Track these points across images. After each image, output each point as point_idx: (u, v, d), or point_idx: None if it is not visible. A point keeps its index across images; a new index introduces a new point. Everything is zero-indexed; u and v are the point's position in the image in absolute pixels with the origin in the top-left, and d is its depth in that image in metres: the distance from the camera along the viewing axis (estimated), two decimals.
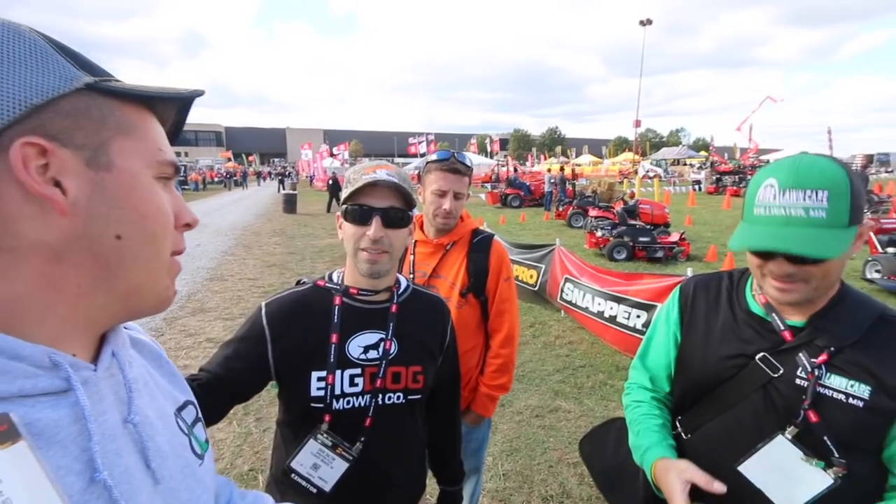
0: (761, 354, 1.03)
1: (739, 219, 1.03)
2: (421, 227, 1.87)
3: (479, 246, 1.81)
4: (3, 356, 0.41)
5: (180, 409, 0.64)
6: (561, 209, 14.91)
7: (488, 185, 25.83)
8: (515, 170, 26.55)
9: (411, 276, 1.80)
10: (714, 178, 25.27)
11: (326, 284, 1.18)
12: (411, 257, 1.84)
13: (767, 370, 1.02)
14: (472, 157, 42.12)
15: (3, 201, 0.41)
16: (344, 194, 1.10)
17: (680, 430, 1.17)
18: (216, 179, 35.28)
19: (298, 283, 1.21)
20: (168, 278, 0.54)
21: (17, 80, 0.42)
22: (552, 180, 18.13)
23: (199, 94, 0.54)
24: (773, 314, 1.05)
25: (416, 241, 1.85)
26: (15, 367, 0.42)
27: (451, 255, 1.81)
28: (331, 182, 18.50)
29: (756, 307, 1.08)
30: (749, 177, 24.89)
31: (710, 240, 10.63)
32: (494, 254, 1.81)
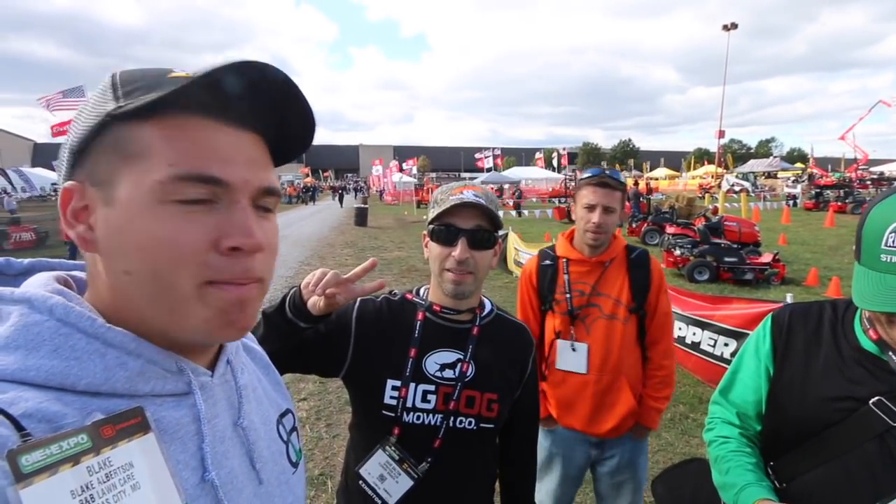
0: (876, 398, 0.91)
1: (844, 239, 0.92)
2: (571, 244, 1.88)
3: (638, 262, 1.83)
4: (142, 359, 0.47)
5: (282, 416, 0.67)
6: (634, 225, 14.18)
7: (555, 200, 25.27)
8: None
9: (567, 295, 1.81)
10: (813, 192, 22.79)
11: (414, 298, 1.21)
12: (565, 276, 1.84)
13: (885, 417, 0.90)
14: (538, 172, 41.66)
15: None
16: (431, 215, 1.12)
17: (773, 477, 1.05)
18: (298, 195, 37.55)
19: (391, 293, 1.25)
20: (207, 310, 0.47)
21: (75, 131, 0.47)
22: None
23: (233, 65, 0.44)
24: (891, 352, 0.92)
25: (568, 260, 1.86)
26: (150, 370, 0.47)
27: (611, 272, 1.82)
28: None
29: (868, 343, 0.96)
30: (857, 191, 22.42)
31: (809, 262, 9.53)
32: (655, 269, 1.84)
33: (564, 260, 1.86)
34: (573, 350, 1.79)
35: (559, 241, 1.93)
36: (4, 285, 0.48)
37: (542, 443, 1.94)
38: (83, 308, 0.46)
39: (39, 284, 0.48)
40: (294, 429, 0.69)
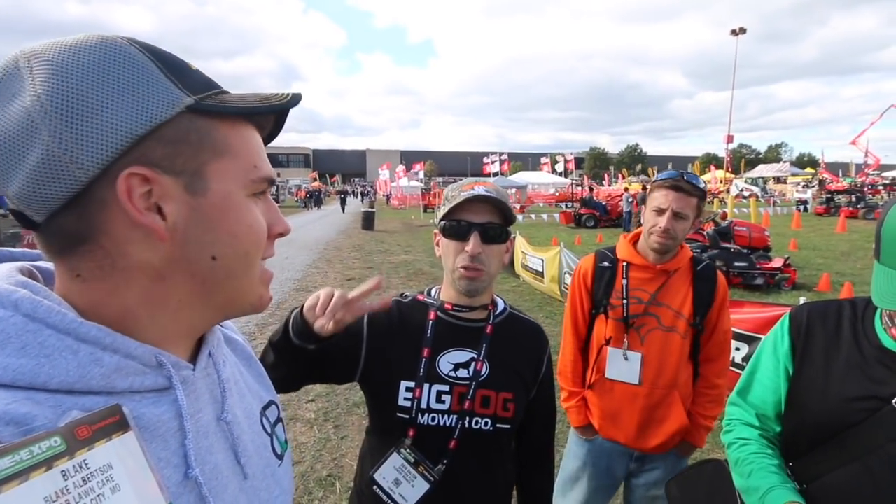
0: None
1: (857, 245, 0.90)
2: (634, 248, 1.77)
3: (704, 274, 1.72)
4: (119, 354, 0.44)
5: (265, 408, 0.66)
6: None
7: (563, 205, 25.20)
8: (591, 189, 25.60)
9: (624, 301, 1.71)
10: (824, 197, 22.53)
11: (425, 299, 1.20)
12: (623, 281, 1.73)
13: None
14: (545, 177, 41.46)
15: (115, 226, 0.44)
16: (442, 211, 1.10)
17: (793, 477, 1.03)
18: (309, 197, 37.12)
19: (402, 295, 1.24)
20: (261, 287, 0.55)
21: (124, 112, 0.42)
22: (630, 199, 17.26)
23: (297, 100, 0.53)
24: None
25: (628, 265, 1.75)
26: (128, 365, 0.45)
27: (675, 282, 1.71)
28: None
29: (890, 342, 0.95)
30: (869, 196, 22.15)
31: (821, 267, 9.39)
32: (721, 285, 1.73)
33: (624, 264, 1.75)
34: (625, 359, 1.70)
35: (620, 244, 1.81)
36: None
37: (577, 452, 1.86)
38: (52, 302, 0.43)
39: (2, 277, 0.45)
40: (279, 420, 0.68)
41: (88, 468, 0.38)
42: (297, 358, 0.99)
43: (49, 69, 0.41)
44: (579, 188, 24.58)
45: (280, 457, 0.64)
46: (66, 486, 0.36)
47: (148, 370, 0.46)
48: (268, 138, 0.58)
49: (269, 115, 0.54)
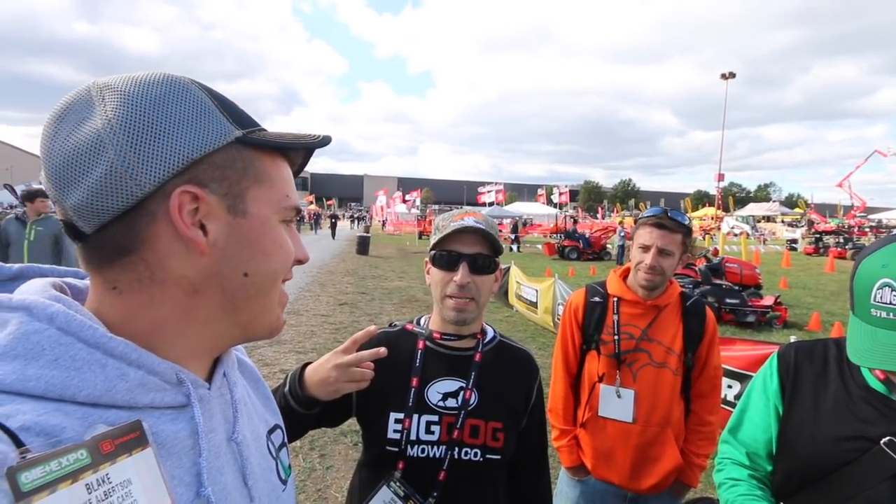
0: (887, 439, 0.91)
1: (845, 286, 0.94)
2: (625, 283, 1.78)
3: (694, 310, 1.74)
4: (143, 370, 0.46)
5: (270, 431, 0.67)
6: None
7: (554, 237, 25.44)
8: (575, 221, 25.84)
9: (616, 337, 1.72)
10: (813, 237, 22.98)
11: (414, 328, 1.21)
12: (615, 317, 1.74)
13: None
14: (540, 208, 41.90)
15: (159, 239, 0.47)
16: (433, 240, 1.13)
17: None
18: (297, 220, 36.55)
19: (390, 324, 1.25)
20: (279, 309, 0.58)
21: (183, 138, 0.47)
22: (623, 234, 17.47)
23: (327, 141, 0.58)
24: None
25: (619, 300, 1.75)
26: (150, 381, 0.46)
27: (665, 318, 1.72)
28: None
29: (875, 382, 0.97)
30: (856, 237, 22.64)
31: (811, 306, 9.50)
32: (710, 320, 1.74)
33: (615, 299, 1.75)
34: (618, 396, 1.68)
35: (611, 279, 1.82)
36: None
37: (569, 493, 1.82)
38: (84, 317, 0.45)
39: (36, 291, 0.47)
40: (283, 444, 0.69)
41: (110, 483, 0.39)
42: (301, 422, 1.03)
43: (120, 98, 0.46)
44: (571, 220, 24.83)
45: (284, 482, 0.65)
46: (89, 500, 0.37)
47: (168, 387, 0.48)
48: (295, 173, 0.61)
49: (302, 151, 0.59)
